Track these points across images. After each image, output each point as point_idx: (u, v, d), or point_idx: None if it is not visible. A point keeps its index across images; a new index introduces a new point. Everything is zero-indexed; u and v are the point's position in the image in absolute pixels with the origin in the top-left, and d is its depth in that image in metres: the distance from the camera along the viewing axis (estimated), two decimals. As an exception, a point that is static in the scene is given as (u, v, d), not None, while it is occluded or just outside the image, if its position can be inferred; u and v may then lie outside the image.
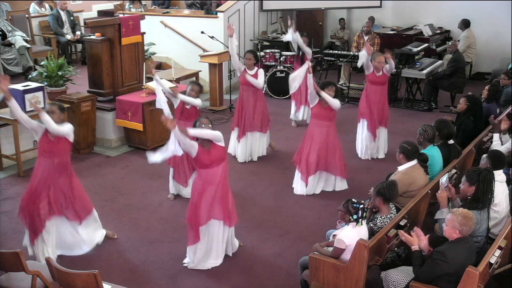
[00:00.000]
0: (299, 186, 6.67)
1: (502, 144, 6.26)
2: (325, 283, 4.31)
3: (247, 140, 7.55)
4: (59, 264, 3.94)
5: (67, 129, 5.00)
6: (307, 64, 6.69)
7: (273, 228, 5.92)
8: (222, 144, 4.93)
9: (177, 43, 10.77)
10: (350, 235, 4.27)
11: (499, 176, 5.00)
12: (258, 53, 9.73)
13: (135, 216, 6.13)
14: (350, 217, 4.35)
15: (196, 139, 4.87)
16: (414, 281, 4.05)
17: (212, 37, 9.68)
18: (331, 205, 6.29)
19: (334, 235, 4.46)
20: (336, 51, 11.11)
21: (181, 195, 6.54)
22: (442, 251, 3.97)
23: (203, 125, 4.90)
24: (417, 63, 10.14)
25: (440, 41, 11.96)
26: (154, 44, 10.07)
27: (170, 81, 8.39)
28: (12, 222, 5.93)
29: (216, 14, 10.81)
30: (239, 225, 5.45)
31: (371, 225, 4.70)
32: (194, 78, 9.70)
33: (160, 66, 10.70)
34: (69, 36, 10.47)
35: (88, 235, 5.36)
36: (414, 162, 5.35)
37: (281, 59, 10.40)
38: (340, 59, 10.66)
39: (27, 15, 10.41)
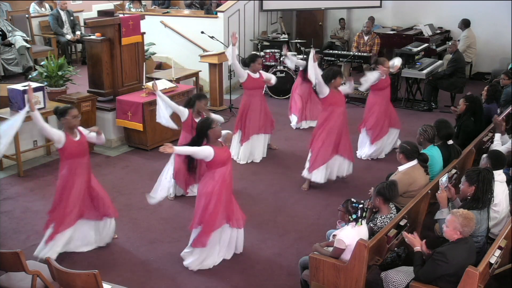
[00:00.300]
0: (319, 175, 6.65)
1: (502, 145, 6.27)
2: (325, 283, 4.31)
3: (252, 143, 7.55)
4: (59, 264, 3.94)
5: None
6: (312, 52, 6.67)
7: (273, 228, 5.92)
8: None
9: (177, 43, 10.76)
10: (350, 235, 4.27)
11: (499, 176, 5.00)
12: (258, 53, 9.75)
13: (135, 216, 6.13)
14: (350, 217, 4.36)
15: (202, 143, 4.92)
16: (414, 281, 4.06)
17: (212, 37, 9.67)
18: (331, 205, 6.29)
19: (334, 235, 4.46)
20: (336, 51, 11.11)
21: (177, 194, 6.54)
22: (443, 251, 3.97)
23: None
24: (417, 63, 10.14)
25: (440, 41, 11.96)
26: (154, 44, 10.07)
27: (170, 81, 8.41)
28: (12, 222, 5.94)
29: (216, 14, 10.81)
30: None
31: (371, 225, 4.70)
32: (194, 78, 9.72)
33: (160, 66, 10.70)
34: (69, 36, 10.48)
35: (106, 232, 5.47)
36: (414, 162, 5.35)
37: (281, 59, 10.40)
38: (340, 59, 10.66)
39: (27, 15, 10.41)
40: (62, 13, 10.47)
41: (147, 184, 6.91)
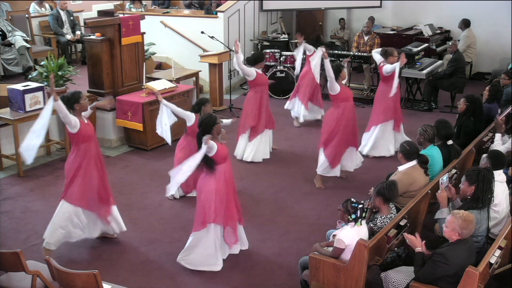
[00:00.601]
0: (336, 169, 6.79)
1: (502, 144, 6.27)
2: (325, 283, 4.31)
3: (262, 138, 7.60)
4: (59, 264, 3.94)
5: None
6: (321, 51, 6.70)
7: (273, 228, 5.92)
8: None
9: (177, 43, 10.76)
10: (350, 235, 4.27)
11: (499, 176, 5.00)
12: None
13: (135, 216, 6.13)
14: (349, 217, 4.36)
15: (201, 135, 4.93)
16: (414, 281, 4.06)
17: (212, 37, 9.67)
18: (331, 205, 6.29)
19: (334, 235, 4.46)
20: (336, 51, 11.09)
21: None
22: (443, 253, 3.97)
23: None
24: (417, 63, 10.13)
25: (440, 41, 11.96)
26: (154, 44, 10.07)
27: (170, 81, 8.40)
28: (12, 222, 5.94)
29: (216, 14, 10.81)
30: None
31: (371, 225, 4.70)
32: (194, 78, 9.72)
33: (160, 66, 10.70)
34: (69, 36, 10.46)
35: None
36: (414, 162, 5.35)
37: (281, 59, 10.41)
38: (340, 59, 10.63)
39: (27, 15, 10.40)
40: (62, 13, 10.46)
41: (147, 184, 6.93)
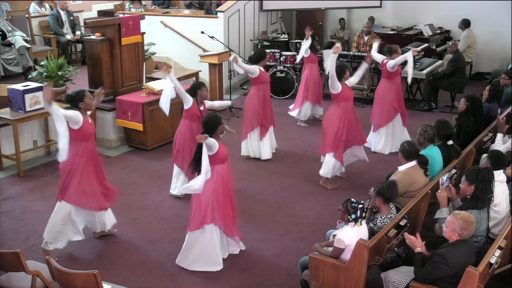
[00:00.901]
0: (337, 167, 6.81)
1: (503, 144, 6.27)
2: (325, 283, 4.31)
3: (270, 135, 7.68)
4: (59, 264, 3.94)
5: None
6: (337, 45, 6.74)
7: (273, 228, 5.92)
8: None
9: (177, 43, 10.76)
10: (350, 235, 4.27)
11: (499, 176, 5.00)
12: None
13: (135, 216, 6.13)
14: (349, 217, 4.36)
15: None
16: (414, 282, 4.06)
17: (212, 37, 9.67)
18: (331, 205, 6.29)
19: (334, 235, 4.46)
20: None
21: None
22: (442, 253, 3.96)
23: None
24: (417, 63, 10.12)
25: (440, 41, 11.96)
26: (154, 44, 10.06)
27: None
28: (12, 222, 5.94)
29: (216, 14, 10.81)
30: (239, 225, 5.45)
31: (371, 225, 4.69)
32: (194, 78, 9.72)
33: (160, 66, 10.69)
34: (69, 36, 10.47)
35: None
36: (414, 162, 5.35)
37: (281, 59, 10.41)
38: (340, 59, 10.64)
39: (27, 15, 10.40)
40: (62, 13, 10.46)
41: (147, 184, 6.93)
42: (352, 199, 4.42)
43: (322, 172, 6.79)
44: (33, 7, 11.00)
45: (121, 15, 8.32)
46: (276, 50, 10.56)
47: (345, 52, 11.29)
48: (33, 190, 6.71)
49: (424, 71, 9.81)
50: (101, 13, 8.30)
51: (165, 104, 6.32)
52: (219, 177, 4.98)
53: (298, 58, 9.28)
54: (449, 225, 4.02)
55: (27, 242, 5.54)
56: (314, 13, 13.27)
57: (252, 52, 10.58)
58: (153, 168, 7.39)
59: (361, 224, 4.36)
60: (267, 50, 10.49)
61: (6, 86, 7.39)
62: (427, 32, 11.69)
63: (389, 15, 12.86)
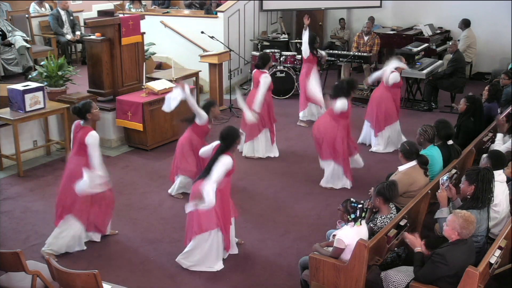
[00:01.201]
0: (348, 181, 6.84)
1: (503, 144, 6.27)
2: (325, 283, 4.31)
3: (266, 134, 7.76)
4: (59, 264, 3.94)
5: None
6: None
7: (273, 228, 5.92)
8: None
9: (177, 43, 10.76)
10: (350, 234, 4.27)
11: (500, 176, 5.00)
12: (259, 53, 9.75)
13: (135, 216, 6.13)
14: (349, 217, 4.36)
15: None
16: (414, 281, 4.06)
17: (212, 37, 9.67)
18: (331, 205, 6.29)
19: (334, 235, 4.45)
20: (336, 51, 11.11)
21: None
22: (442, 253, 3.96)
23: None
24: (417, 63, 10.13)
25: (440, 41, 11.96)
26: (154, 44, 10.07)
27: (170, 81, 8.40)
28: (12, 222, 5.94)
29: (216, 14, 10.81)
30: (239, 225, 5.45)
31: (371, 225, 4.70)
32: (194, 78, 9.72)
33: (160, 66, 10.70)
34: (69, 36, 10.46)
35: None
36: (414, 162, 5.35)
37: (281, 59, 10.41)
38: (340, 59, 10.66)
39: (27, 15, 10.40)
40: (62, 13, 10.46)
41: (147, 184, 6.93)
42: (352, 199, 4.42)
43: (324, 184, 6.87)
44: (33, 7, 11.00)
45: (121, 15, 8.32)
46: (276, 50, 10.56)
47: (345, 52, 11.31)
48: (33, 190, 6.71)
49: (424, 71, 9.81)
50: (101, 13, 8.30)
51: (171, 102, 6.37)
52: (223, 184, 4.97)
53: (304, 49, 8.95)
54: (450, 224, 4.02)
55: (27, 242, 5.53)
56: (314, 13, 13.25)
57: (254, 52, 10.62)
58: (153, 168, 7.39)
59: (360, 224, 4.36)
60: (267, 50, 10.51)
61: (6, 86, 7.39)
62: (427, 32, 11.69)
63: (389, 15, 12.87)
